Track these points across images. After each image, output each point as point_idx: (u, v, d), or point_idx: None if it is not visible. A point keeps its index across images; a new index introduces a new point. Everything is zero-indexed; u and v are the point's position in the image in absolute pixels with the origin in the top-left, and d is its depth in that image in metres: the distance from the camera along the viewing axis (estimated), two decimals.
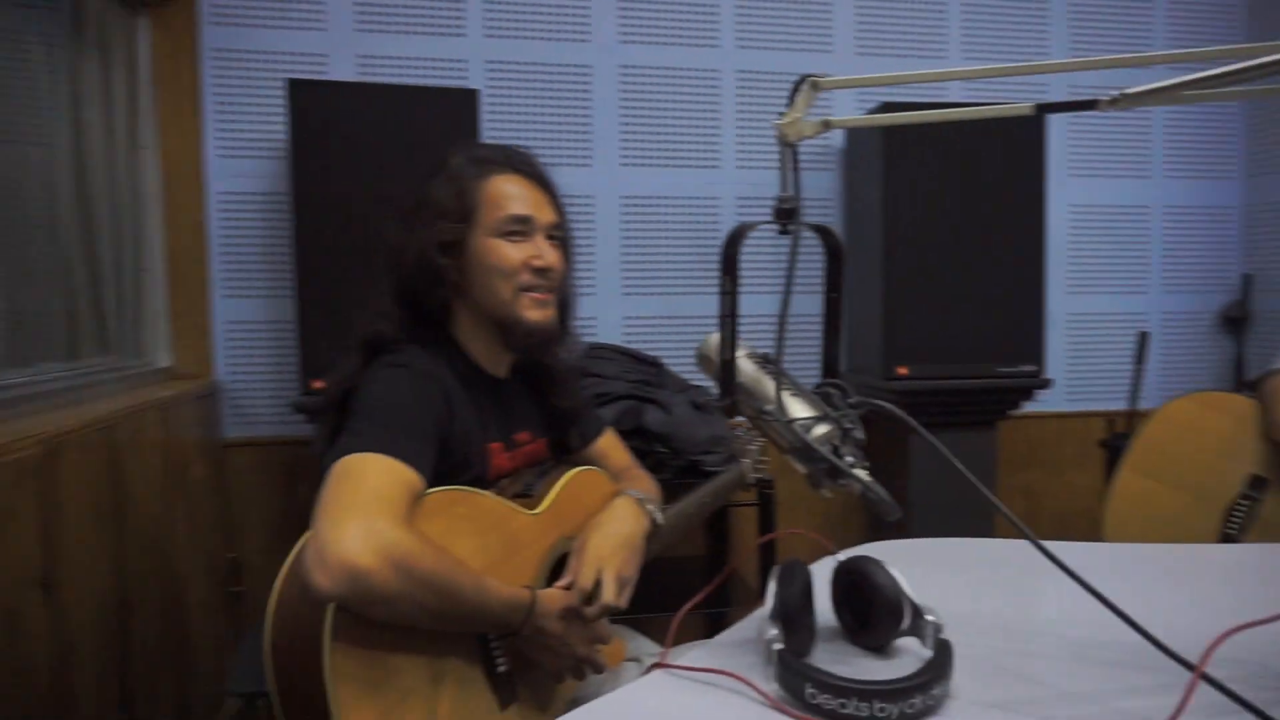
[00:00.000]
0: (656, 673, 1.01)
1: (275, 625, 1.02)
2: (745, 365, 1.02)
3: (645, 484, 1.48)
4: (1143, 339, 2.49)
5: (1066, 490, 2.94)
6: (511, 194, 1.28)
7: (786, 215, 0.98)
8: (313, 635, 0.96)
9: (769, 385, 0.98)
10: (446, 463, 1.20)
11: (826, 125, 1.01)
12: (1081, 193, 2.99)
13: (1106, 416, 2.59)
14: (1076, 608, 1.03)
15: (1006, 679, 0.97)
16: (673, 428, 2.21)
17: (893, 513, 0.89)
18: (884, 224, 2.42)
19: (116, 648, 1.72)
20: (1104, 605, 0.84)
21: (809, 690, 0.89)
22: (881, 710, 0.86)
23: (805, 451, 0.93)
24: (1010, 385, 2.43)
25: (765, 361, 1.01)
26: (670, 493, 1.51)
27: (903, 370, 2.36)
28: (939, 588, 1.18)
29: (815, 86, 0.98)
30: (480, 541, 1.16)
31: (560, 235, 1.35)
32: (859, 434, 0.94)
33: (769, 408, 0.96)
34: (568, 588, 1.21)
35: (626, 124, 2.72)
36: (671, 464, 2.21)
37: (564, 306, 1.40)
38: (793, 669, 0.90)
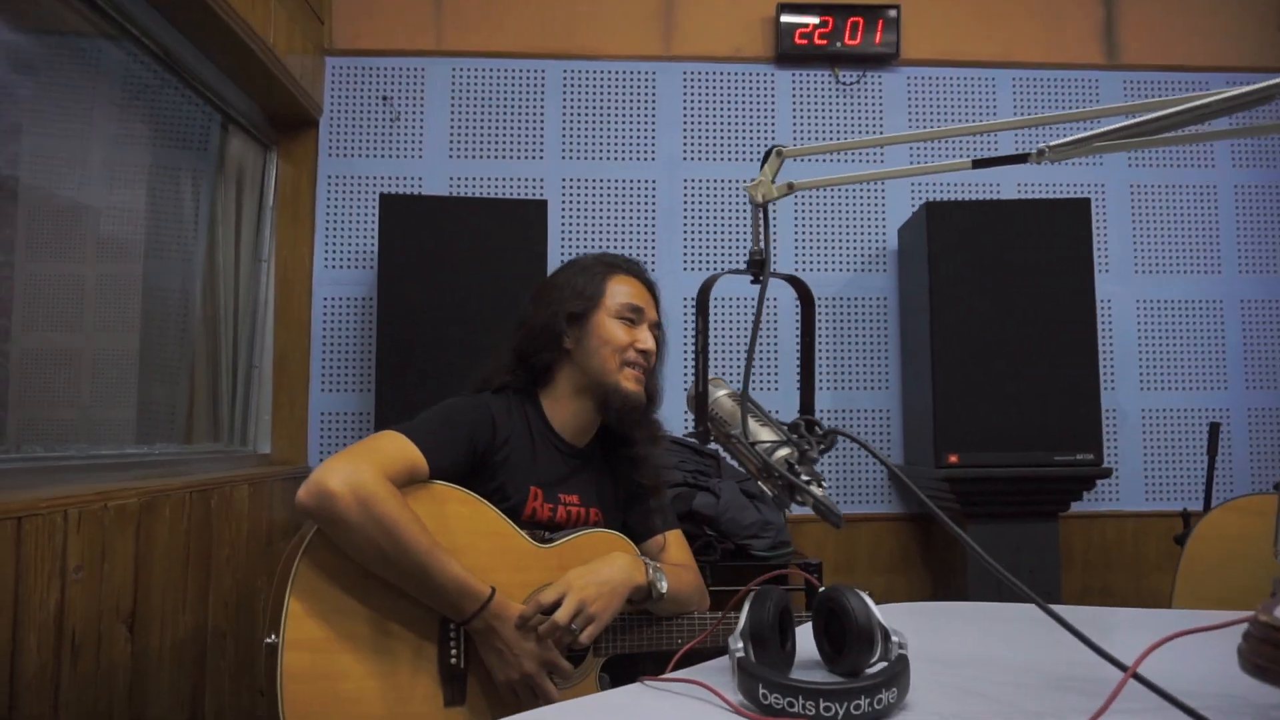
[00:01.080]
0: (634, 685, 1.08)
1: (286, 554, 1.23)
2: (723, 400, 1.12)
3: (681, 575, 1.51)
4: (1214, 430, 2.40)
5: (1149, 592, 2.78)
6: (630, 289, 1.54)
7: (757, 266, 1.10)
8: (295, 553, 1.18)
9: (737, 410, 1.07)
10: (483, 484, 1.38)
11: (790, 188, 1.14)
12: (1150, 288, 2.97)
13: (1185, 515, 2.48)
14: (1067, 651, 1.04)
15: (967, 697, 0.99)
16: (719, 510, 2.27)
17: (839, 523, 0.96)
18: (930, 316, 2.48)
19: (188, 687, 1.87)
20: (1044, 611, 0.87)
21: (762, 692, 0.94)
22: (827, 710, 0.90)
23: (765, 469, 1.01)
24: (1068, 474, 2.38)
25: (740, 397, 1.10)
26: (717, 575, 1.58)
27: (954, 458, 2.36)
28: (940, 634, 1.21)
29: (780, 154, 1.12)
30: (469, 541, 1.30)
31: (659, 334, 1.57)
32: (814, 455, 1.01)
33: (735, 431, 1.05)
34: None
35: (688, 232, 2.92)
36: (719, 546, 2.25)
37: (651, 398, 1.57)
38: (748, 672, 0.96)
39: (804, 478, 0.99)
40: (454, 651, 1.29)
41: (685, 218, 2.93)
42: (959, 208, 2.57)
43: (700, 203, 2.93)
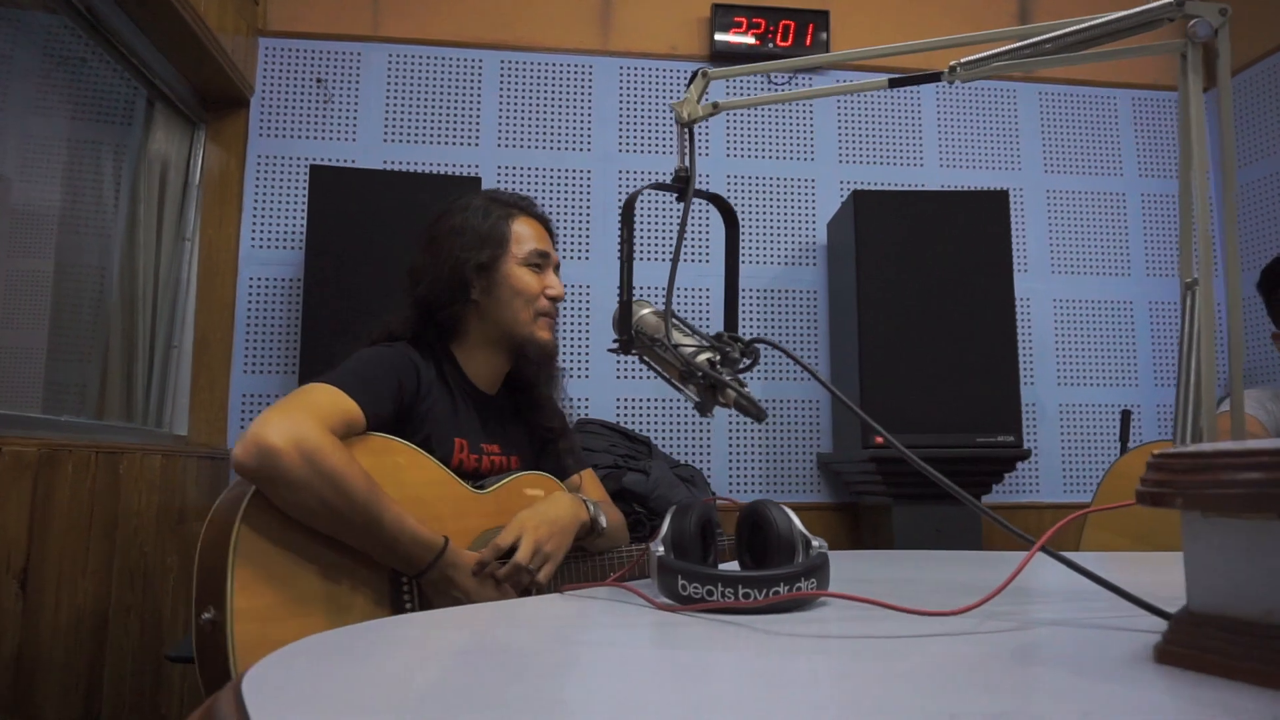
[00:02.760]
0: (552, 595, 1.06)
1: (209, 521, 1.14)
2: (647, 316, 1.12)
3: (611, 512, 1.53)
4: (1125, 417, 2.50)
5: None
6: (534, 233, 1.50)
7: (682, 184, 1.11)
8: (230, 517, 1.06)
9: (661, 324, 1.08)
10: (411, 435, 1.34)
11: (715, 107, 1.16)
12: (1066, 288, 3.10)
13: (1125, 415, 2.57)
14: (986, 574, 1.06)
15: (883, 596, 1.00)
16: (649, 488, 2.26)
17: (761, 416, 0.96)
18: (857, 303, 2.54)
19: (85, 659, 1.77)
20: (964, 501, 0.89)
21: (681, 583, 0.93)
22: (746, 595, 0.90)
23: (688, 371, 1.02)
24: (989, 455, 2.44)
25: (664, 312, 1.11)
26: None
27: (880, 440, 2.40)
28: (861, 562, 1.22)
29: (705, 76, 1.14)
30: (411, 492, 1.25)
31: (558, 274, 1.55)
32: (735, 356, 1.02)
33: (658, 336, 1.05)
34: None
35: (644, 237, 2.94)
36: (649, 524, 2.25)
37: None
38: (666, 567, 0.95)
39: (726, 376, 1.00)
40: (408, 605, 1.24)
41: (620, 208, 2.95)
42: (886, 197, 2.65)
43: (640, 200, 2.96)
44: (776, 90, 3.05)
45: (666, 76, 3.04)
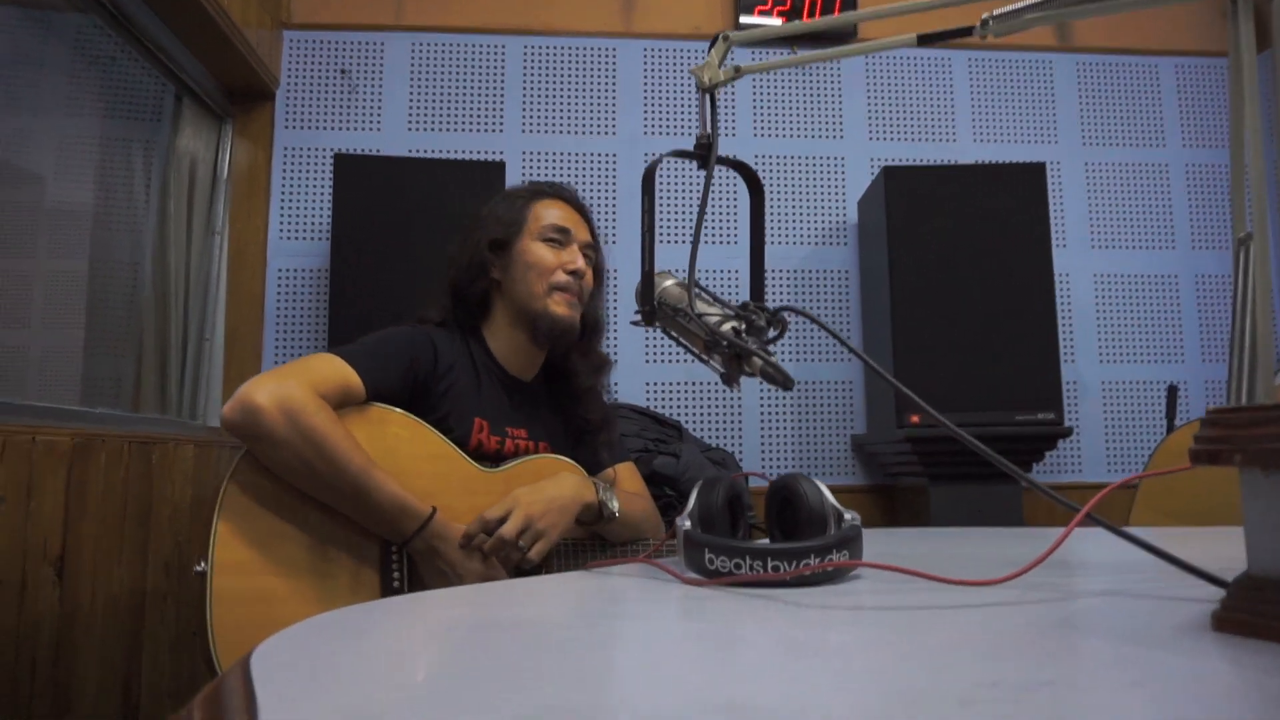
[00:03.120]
0: (577, 572, 1.04)
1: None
2: (670, 288, 1.09)
3: (633, 499, 1.49)
4: (1172, 393, 2.42)
5: None
6: (555, 212, 1.49)
7: (704, 150, 1.08)
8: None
9: (684, 295, 1.05)
10: (425, 414, 1.32)
11: (738, 71, 1.12)
12: (1107, 263, 3.01)
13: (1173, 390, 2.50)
14: (1024, 549, 1.02)
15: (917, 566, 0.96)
16: (680, 470, 2.23)
17: (789, 384, 0.93)
18: (890, 281, 2.49)
19: (122, 649, 1.79)
20: (1006, 468, 0.85)
21: (708, 557, 0.90)
22: (775, 568, 0.87)
23: (712, 341, 0.99)
24: (1029, 433, 2.38)
25: (688, 283, 1.08)
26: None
27: (915, 419, 2.35)
28: (894, 540, 1.18)
29: (727, 39, 1.11)
30: (410, 465, 1.25)
31: (591, 257, 1.52)
32: (761, 324, 0.99)
33: (681, 305, 1.02)
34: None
35: (664, 218, 2.91)
36: (679, 506, 2.22)
37: (593, 327, 1.54)
38: (693, 540, 0.92)
39: (751, 344, 0.97)
40: (396, 575, 1.24)
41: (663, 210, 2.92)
42: (916, 172, 2.59)
43: (662, 177, 2.93)
44: (805, 66, 2.99)
45: (691, 58, 2.99)
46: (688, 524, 0.96)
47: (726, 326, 0.99)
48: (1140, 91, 3.07)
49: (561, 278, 1.44)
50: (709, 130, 1.09)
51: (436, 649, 0.62)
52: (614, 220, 2.88)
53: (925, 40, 1.04)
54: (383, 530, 1.21)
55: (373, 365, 1.27)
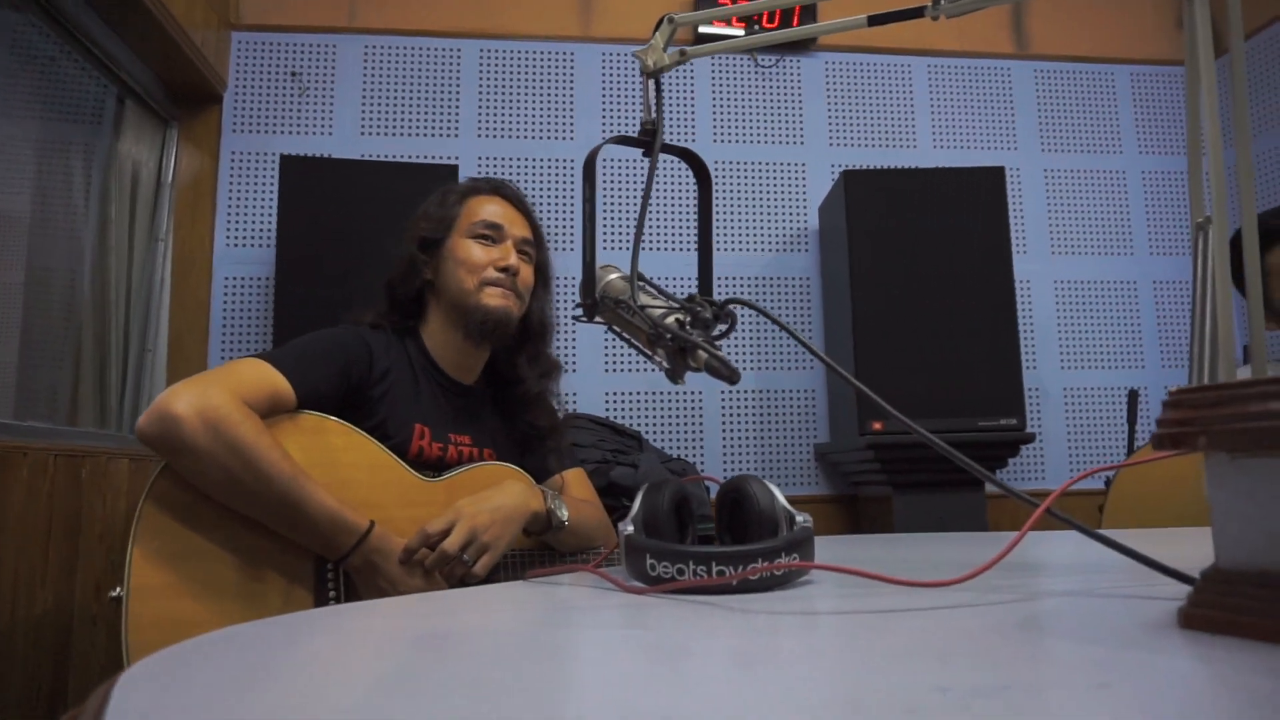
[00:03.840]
0: (516, 583, 0.98)
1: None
2: (615, 281, 1.04)
3: (582, 507, 1.44)
4: (1133, 397, 2.41)
5: None
6: (488, 208, 1.43)
7: (648, 136, 1.03)
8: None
9: (628, 288, 0.99)
10: (361, 421, 1.25)
11: (683, 55, 1.08)
12: (1066, 269, 3.01)
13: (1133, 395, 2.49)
14: (979, 552, 0.98)
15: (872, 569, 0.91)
16: (638, 480, 2.18)
17: (734, 377, 0.88)
18: (850, 285, 2.46)
19: (47, 672, 1.69)
20: (959, 462, 0.81)
21: (649, 563, 0.85)
22: (720, 573, 0.82)
23: (656, 335, 0.93)
24: (992, 439, 2.35)
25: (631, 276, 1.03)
26: None
27: (877, 425, 2.32)
28: (851, 545, 1.14)
29: (672, 22, 1.06)
30: (344, 475, 1.17)
31: (531, 254, 1.46)
32: (707, 317, 0.94)
33: (624, 298, 0.97)
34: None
35: (608, 212, 2.86)
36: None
37: (539, 329, 1.47)
38: (634, 546, 0.87)
39: (695, 336, 0.92)
40: (332, 593, 1.16)
41: (605, 198, 2.87)
42: (877, 175, 2.57)
43: (622, 183, 2.89)
44: (763, 71, 2.98)
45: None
46: (630, 529, 0.91)
47: (670, 319, 0.94)
48: (1097, 99, 3.09)
49: (492, 274, 1.38)
50: (654, 116, 1.05)
51: (350, 667, 0.56)
52: (572, 226, 2.83)
53: (875, 20, 1.00)
54: (317, 546, 1.13)
55: (303, 370, 1.19)
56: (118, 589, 1.04)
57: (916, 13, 0.99)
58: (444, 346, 1.40)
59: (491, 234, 1.40)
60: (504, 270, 1.38)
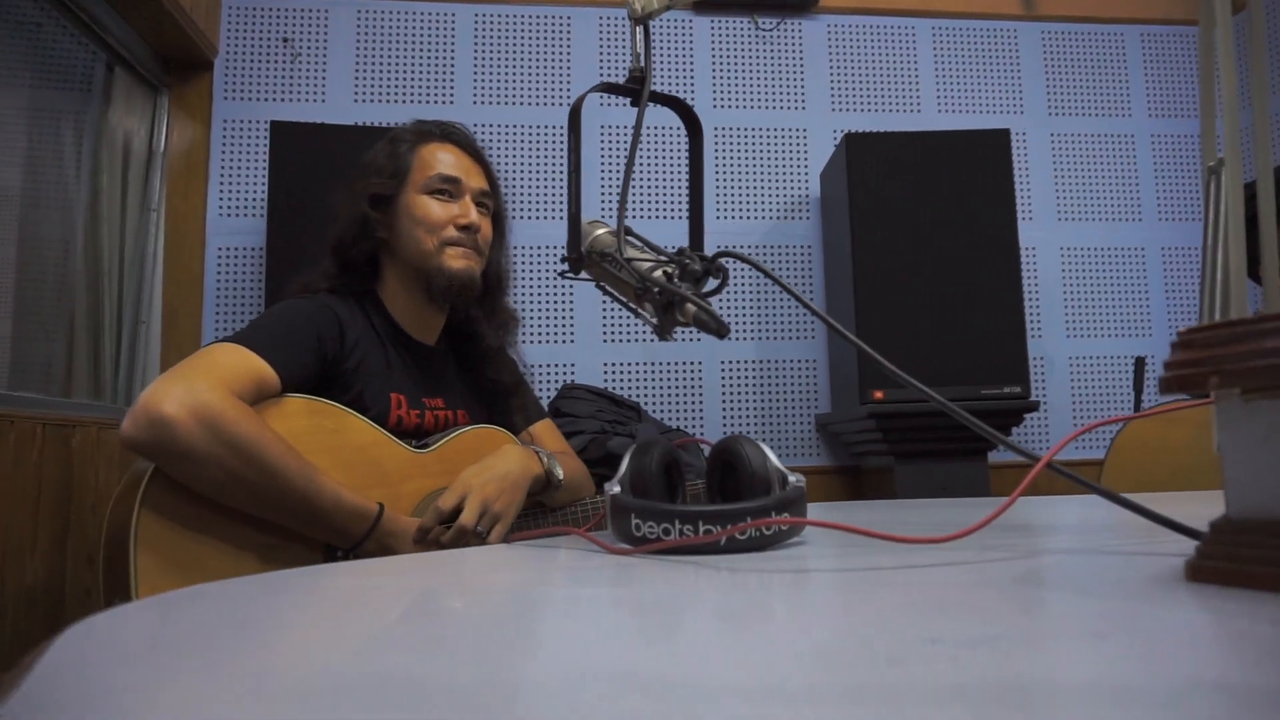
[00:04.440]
0: (500, 545, 0.95)
1: (110, 508, 1.01)
2: (602, 235, 1.00)
3: (571, 463, 1.42)
4: (1139, 365, 2.37)
5: None
6: (443, 158, 1.35)
7: (637, 84, 0.99)
8: (130, 502, 0.94)
9: (615, 242, 0.96)
10: (340, 394, 1.21)
11: (672, 2, 1.03)
12: (1073, 235, 2.96)
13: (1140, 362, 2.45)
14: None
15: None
16: None
17: (723, 331, 0.85)
18: (852, 251, 2.42)
19: (38, 642, 1.67)
20: (964, 420, 0.77)
21: (634, 523, 0.82)
22: (708, 532, 0.79)
23: (643, 288, 0.90)
24: (995, 408, 2.31)
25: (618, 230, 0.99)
26: None
27: (878, 394, 2.28)
28: (844, 510, 1.10)
29: None
30: (341, 457, 1.13)
31: (489, 205, 1.39)
32: (696, 269, 0.90)
33: (609, 250, 0.94)
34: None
35: (604, 179, 2.82)
36: None
37: (497, 282, 1.42)
38: (620, 506, 0.84)
39: (685, 289, 0.88)
40: None
41: (602, 165, 2.82)
42: (879, 139, 2.51)
43: (617, 150, 2.84)
44: (764, 35, 2.92)
45: (651, 28, 2.90)
46: (617, 488, 0.88)
47: (658, 273, 0.91)
48: (1106, 61, 3.02)
49: (452, 233, 1.31)
50: (642, 65, 1.01)
51: (319, 625, 0.53)
52: (563, 191, 2.79)
53: None
54: (329, 536, 1.09)
55: (281, 351, 1.12)
56: (117, 605, 0.99)
57: None
58: (405, 309, 1.35)
59: (449, 188, 1.33)
60: (464, 228, 1.32)
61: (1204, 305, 0.77)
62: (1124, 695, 0.29)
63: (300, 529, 1.07)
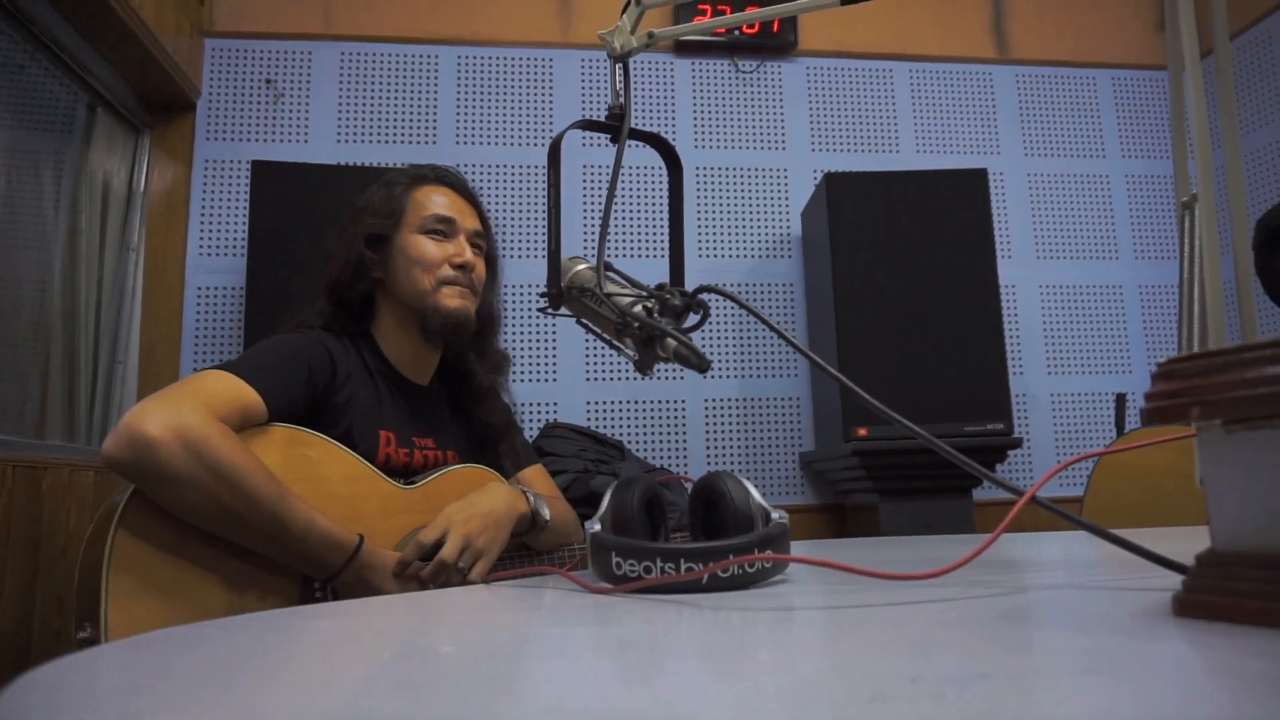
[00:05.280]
0: (477, 586, 0.93)
1: (90, 531, 1.00)
2: (582, 271, 1.00)
3: (560, 506, 1.41)
4: (1120, 401, 2.39)
5: None
6: (437, 200, 1.37)
7: (616, 121, 1.00)
8: (107, 524, 0.93)
9: (595, 277, 0.96)
10: (329, 429, 1.20)
11: (651, 37, 1.04)
12: (1052, 273, 2.99)
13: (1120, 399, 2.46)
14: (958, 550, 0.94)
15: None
16: None
17: (704, 365, 0.84)
18: (834, 290, 2.43)
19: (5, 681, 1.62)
20: (942, 452, 0.77)
21: (615, 561, 0.80)
22: (690, 568, 0.77)
23: (624, 323, 0.89)
24: (978, 444, 2.31)
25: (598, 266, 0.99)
26: None
27: (862, 431, 2.28)
28: (829, 548, 1.09)
29: (639, 4, 1.03)
30: (324, 489, 1.11)
31: (482, 246, 1.41)
32: (676, 304, 0.90)
33: (589, 286, 0.93)
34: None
35: (587, 218, 2.83)
36: None
37: (489, 322, 1.43)
38: (599, 544, 0.83)
39: (665, 324, 0.88)
40: None
41: (584, 204, 2.84)
42: (859, 178, 2.54)
43: (599, 189, 2.85)
44: (744, 77, 2.96)
45: (632, 69, 2.93)
46: (597, 526, 0.87)
47: (638, 308, 0.91)
48: (1079, 103, 3.08)
49: (448, 272, 1.32)
50: (621, 101, 1.01)
51: (286, 670, 0.51)
52: (541, 230, 2.80)
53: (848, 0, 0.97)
54: (305, 566, 1.08)
55: (270, 380, 1.13)
56: (86, 628, 0.95)
57: None
58: (399, 348, 1.35)
59: (443, 228, 1.34)
60: (460, 267, 1.33)
61: (1182, 337, 0.77)
62: None
63: (278, 557, 1.06)
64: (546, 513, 1.29)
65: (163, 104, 2.67)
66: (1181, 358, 0.55)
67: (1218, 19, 0.78)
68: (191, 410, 0.99)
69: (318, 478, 1.12)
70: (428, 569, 1.10)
